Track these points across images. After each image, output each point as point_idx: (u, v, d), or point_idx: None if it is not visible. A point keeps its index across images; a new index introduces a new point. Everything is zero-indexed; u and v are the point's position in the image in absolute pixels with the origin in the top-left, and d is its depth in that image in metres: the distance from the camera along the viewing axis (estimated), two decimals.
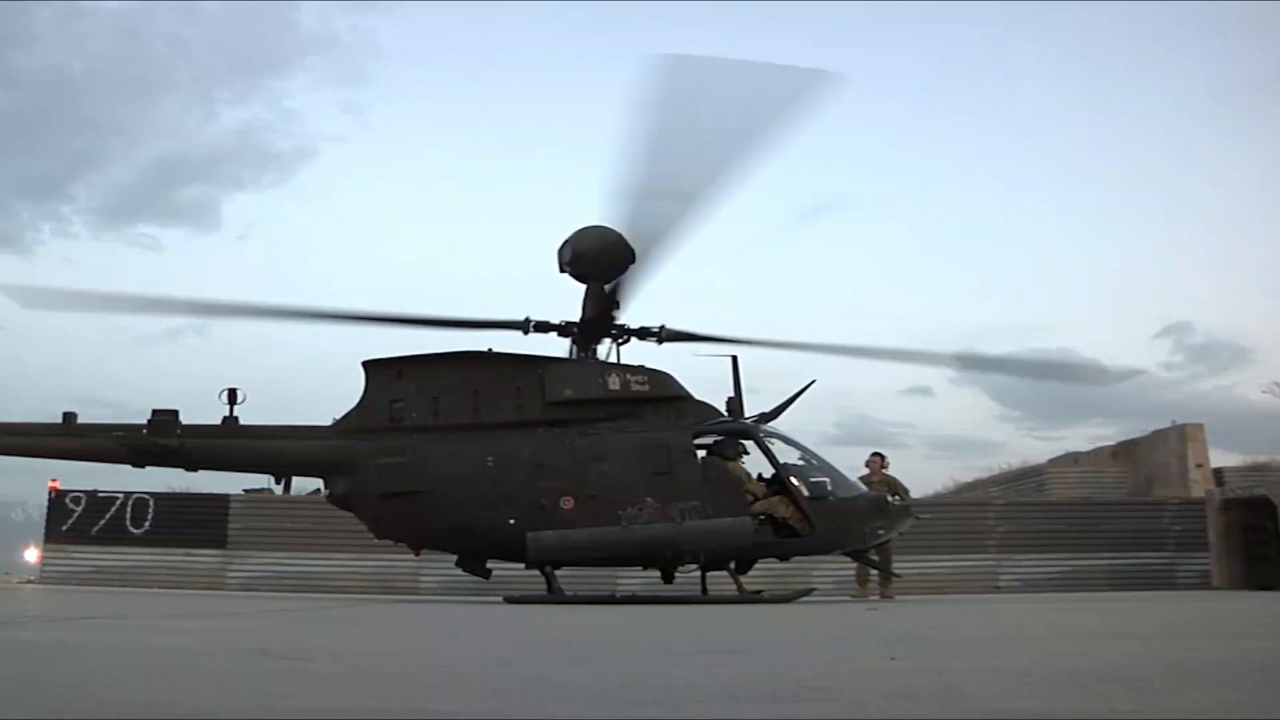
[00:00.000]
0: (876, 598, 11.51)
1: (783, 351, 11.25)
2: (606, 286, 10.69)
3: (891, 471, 11.81)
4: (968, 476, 23.25)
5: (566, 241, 10.73)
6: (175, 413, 10.63)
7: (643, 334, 10.87)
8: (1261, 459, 17.64)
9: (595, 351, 10.88)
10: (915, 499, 12.58)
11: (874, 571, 11.56)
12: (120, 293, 11.24)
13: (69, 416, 10.74)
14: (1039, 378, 14.28)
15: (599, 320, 10.75)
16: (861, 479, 11.54)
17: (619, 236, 10.71)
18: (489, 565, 10.52)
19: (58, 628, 4.82)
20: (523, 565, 10.22)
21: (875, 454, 11.91)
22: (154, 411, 10.64)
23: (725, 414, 10.53)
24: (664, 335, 10.85)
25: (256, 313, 11.45)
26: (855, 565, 11.60)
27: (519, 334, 10.77)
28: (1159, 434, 18.12)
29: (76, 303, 11.34)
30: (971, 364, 14.09)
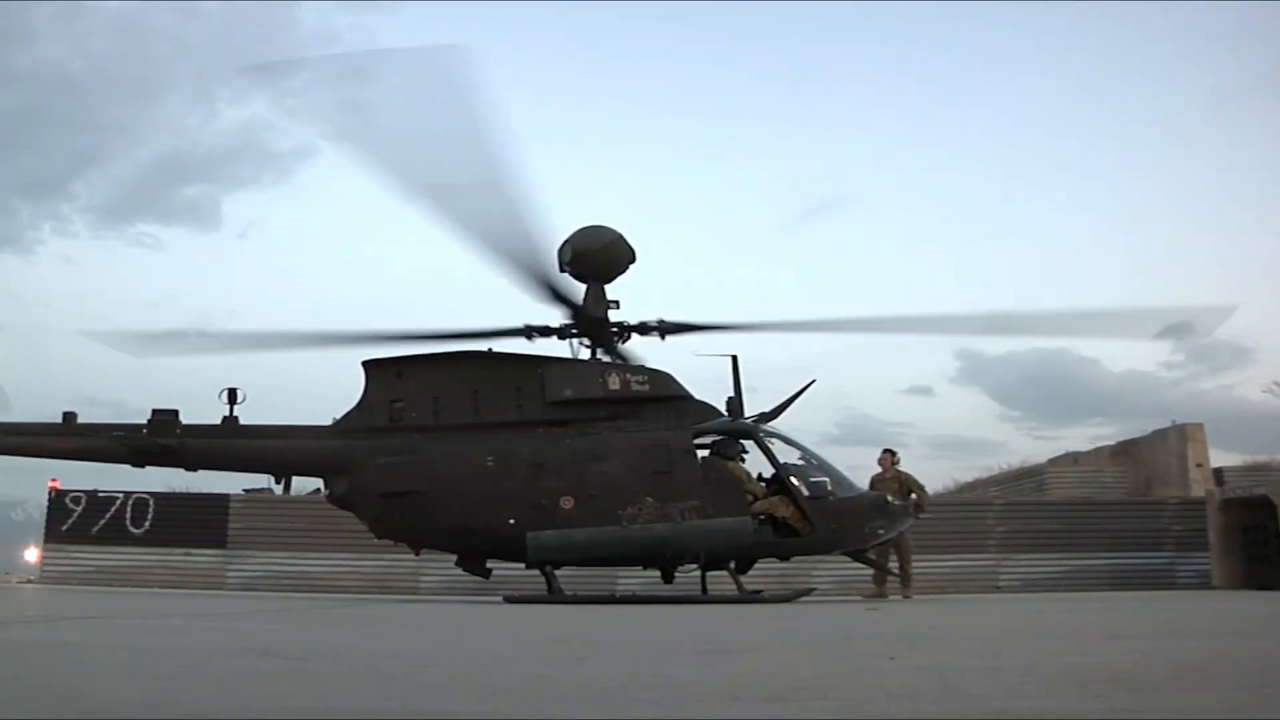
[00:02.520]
0: (899, 596, 11.50)
1: (782, 338, 11.23)
2: (606, 285, 10.72)
3: (903, 469, 11.79)
4: (968, 476, 23.24)
5: (566, 241, 10.74)
6: (175, 412, 10.64)
7: (643, 330, 10.87)
8: (1261, 459, 17.63)
9: (596, 351, 10.89)
10: None
11: (874, 570, 11.54)
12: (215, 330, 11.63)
13: (69, 416, 10.75)
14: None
15: (600, 320, 10.76)
16: (874, 477, 11.55)
17: (619, 236, 10.74)
18: (489, 565, 10.52)
19: (58, 628, 4.82)
20: (523, 565, 10.22)
21: (886, 451, 11.88)
22: (154, 411, 10.65)
23: (725, 414, 10.53)
24: (664, 329, 10.84)
25: (257, 341, 11.47)
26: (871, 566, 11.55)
27: (523, 340, 10.79)
28: (1159, 434, 18.11)
29: (188, 346, 11.49)
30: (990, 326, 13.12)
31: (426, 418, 10.39)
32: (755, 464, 10.53)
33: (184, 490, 15.16)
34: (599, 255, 10.65)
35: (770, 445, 10.35)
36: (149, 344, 12.07)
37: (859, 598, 11.70)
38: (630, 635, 5.04)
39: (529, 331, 10.73)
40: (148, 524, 14.91)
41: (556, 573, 10.06)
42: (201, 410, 10.87)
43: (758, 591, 10.72)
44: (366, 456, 10.27)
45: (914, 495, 11.30)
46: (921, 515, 11.39)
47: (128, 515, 14.91)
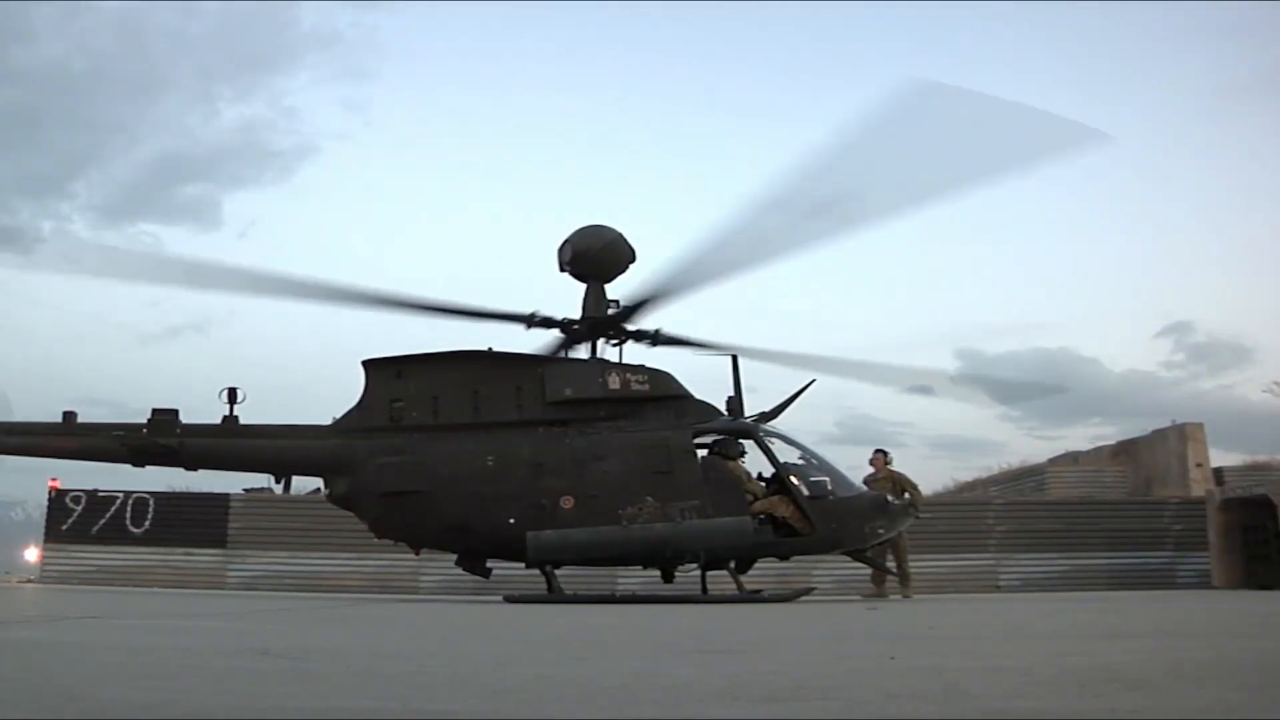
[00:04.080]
0: (898, 596, 11.51)
1: (777, 366, 11.14)
2: (607, 286, 10.73)
3: (896, 469, 11.80)
4: (968, 476, 23.27)
5: (567, 241, 10.76)
6: (175, 412, 10.63)
7: (638, 336, 10.85)
8: (1261, 459, 17.64)
9: (595, 350, 10.89)
10: None
11: (873, 569, 11.55)
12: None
13: (69, 416, 10.74)
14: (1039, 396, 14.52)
15: (599, 320, 10.76)
16: (866, 477, 11.55)
17: (619, 236, 10.74)
18: (489, 565, 10.52)
19: (58, 628, 4.82)
20: (523, 565, 10.22)
21: (878, 451, 11.91)
22: (154, 411, 10.63)
23: (725, 413, 10.53)
24: (658, 339, 10.81)
25: (266, 287, 10.99)
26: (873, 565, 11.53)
27: (521, 328, 10.73)
28: (1159, 434, 18.11)
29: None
30: (968, 380, 14.03)
31: (426, 417, 10.38)
32: (755, 464, 10.54)
33: (184, 490, 15.15)
34: (599, 255, 10.67)
35: (770, 445, 10.35)
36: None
37: (859, 598, 11.70)
38: (630, 635, 5.04)
39: (531, 319, 10.65)
40: (148, 524, 14.91)
41: (556, 572, 10.06)
42: (201, 410, 10.87)
43: (758, 591, 10.71)
44: (366, 456, 10.27)
45: (907, 494, 11.30)
46: (919, 515, 11.38)
47: (128, 515, 14.91)
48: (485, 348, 10.64)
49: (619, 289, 10.86)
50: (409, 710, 2.08)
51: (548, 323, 10.77)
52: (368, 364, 10.55)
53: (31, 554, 17.75)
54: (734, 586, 10.01)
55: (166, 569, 14.64)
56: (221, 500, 15.20)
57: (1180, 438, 17.34)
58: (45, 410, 11.15)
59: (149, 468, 10.97)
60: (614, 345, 10.88)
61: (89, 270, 11.73)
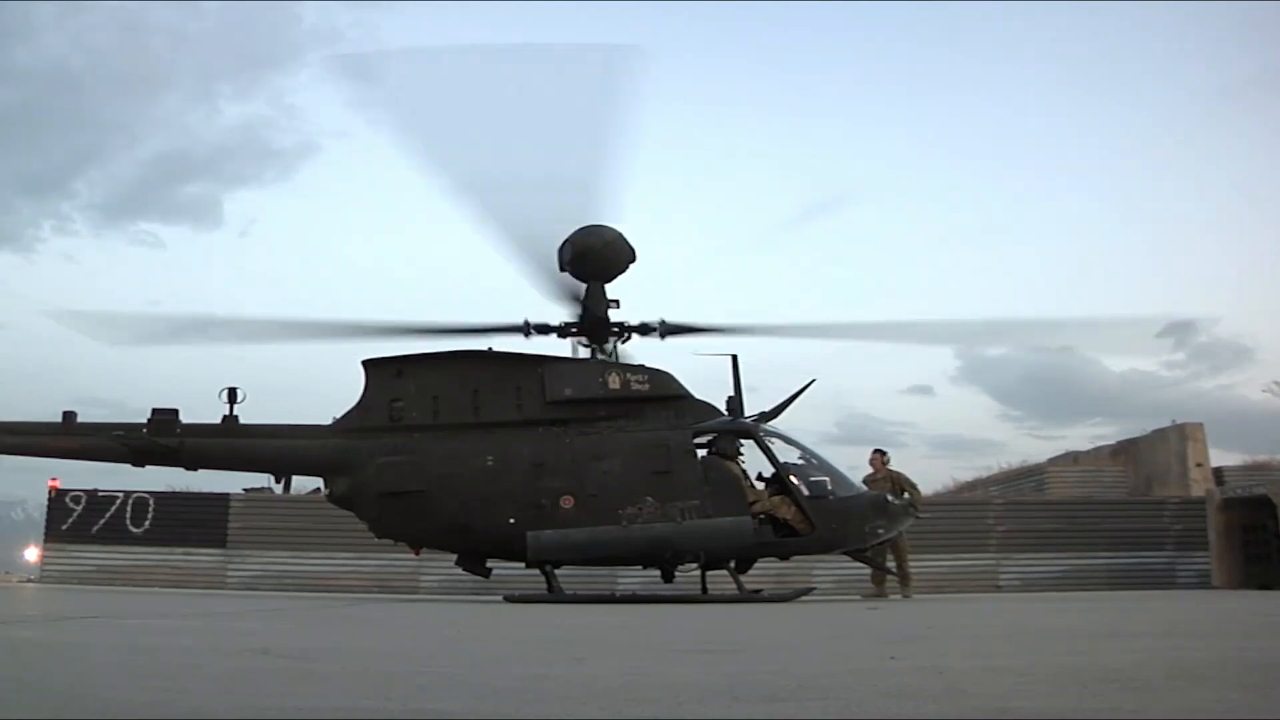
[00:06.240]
0: (898, 595, 11.51)
1: (782, 340, 11.30)
2: (606, 285, 10.74)
3: (895, 469, 11.79)
4: (968, 476, 23.30)
5: (567, 241, 10.74)
6: (175, 412, 10.64)
7: (644, 330, 10.89)
8: (1261, 458, 17.64)
9: (598, 350, 10.90)
10: None
11: (873, 569, 11.55)
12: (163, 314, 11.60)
13: (69, 416, 10.74)
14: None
15: (600, 319, 10.77)
16: (866, 478, 11.55)
17: (619, 235, 10.74)
18: (489, 565, 10.52)
19: (58, 628, 4.82)
20: (523, 565, 10.22)
21: (877, 451, 11.92)
22: (154, 411, 10.64)
23: (725, 413, 10.53)
24: (664, 330, 10.87)
25: (255, 330, 11.39)
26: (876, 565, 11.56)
27: (520, 337, 10.81)
28: (1159, 433, 18.11)
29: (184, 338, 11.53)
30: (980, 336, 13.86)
31: (426, 417, 10.38)
32: (755, 463, 10.54)
33: (184, 490, 15.16)
34: (599, 255, 10.66)
35: (770, 445, 10.35)
36: (142, 335, 12.06)
37: (859, 597, 11.70)
38: (630, 635, 5.04)
39: (527, 328, 10.74)
40: (148, 523, 14.91)
41: (556, 572, 10.07)
42: (201, 410, 10.88)
43: (758, 591, 10.72)
44: (366, 456, 10.27)
45: (906, 494, 11.30)
46: (918, 515, 11.37)
47: (128, 515, 14.91)
48: (485, 347, 10.67)
49: (619, 289, 10.89)
50: (409, 710, 2.08)
51: (545, 328, 10.81)
52: (368, 364, 10.55)
53: (31, 554, 17.77)
54: (734, 586, 10.01)
55: (166, 569, 14.64)
56: (221, 500, 15.20)
57: (1180, 437, 17.35)
58: (45, 410, 11.18)
59: (149, 468, 10.98)
60: (622, 343, 10.93)
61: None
